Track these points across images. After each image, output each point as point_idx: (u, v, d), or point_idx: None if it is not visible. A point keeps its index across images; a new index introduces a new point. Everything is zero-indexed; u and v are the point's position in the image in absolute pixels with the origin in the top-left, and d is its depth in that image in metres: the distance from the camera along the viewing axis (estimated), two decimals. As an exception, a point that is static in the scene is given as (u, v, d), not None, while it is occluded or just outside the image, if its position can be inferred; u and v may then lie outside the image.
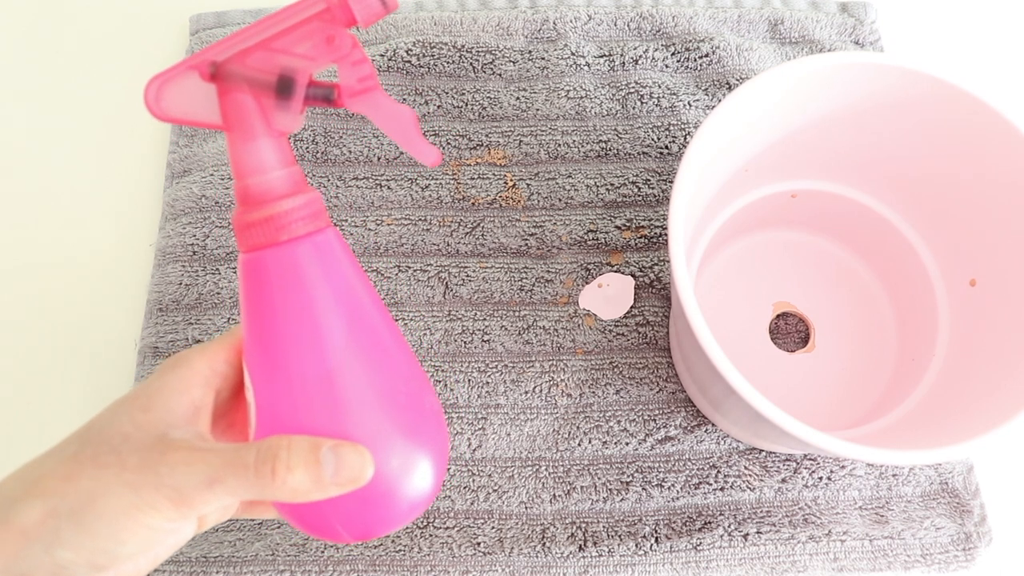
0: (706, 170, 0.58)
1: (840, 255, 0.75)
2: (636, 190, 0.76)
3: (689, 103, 0.80)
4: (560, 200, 0.76)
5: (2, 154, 0.81)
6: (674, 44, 0.83)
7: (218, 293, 0.73)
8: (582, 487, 0.67)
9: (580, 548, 0.65)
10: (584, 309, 0.73)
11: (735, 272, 0.74)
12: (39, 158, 0.81)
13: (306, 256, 0.38)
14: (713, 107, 0.73)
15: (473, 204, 0.76)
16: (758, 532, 0.65)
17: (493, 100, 0.80)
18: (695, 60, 0.82)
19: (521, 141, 0.78)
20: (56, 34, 0.86)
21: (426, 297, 0.73)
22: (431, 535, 0.66)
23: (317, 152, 0.78)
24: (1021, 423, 0.49)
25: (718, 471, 0.68)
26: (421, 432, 0.40)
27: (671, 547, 0.65)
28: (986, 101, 0.56)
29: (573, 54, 0.82)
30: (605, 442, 0.68)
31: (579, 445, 0.68)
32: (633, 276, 0.73)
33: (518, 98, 0.80)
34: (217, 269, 0.74)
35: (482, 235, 0.75)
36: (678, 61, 0.83)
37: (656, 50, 0.82)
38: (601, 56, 0.82)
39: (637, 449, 0.68)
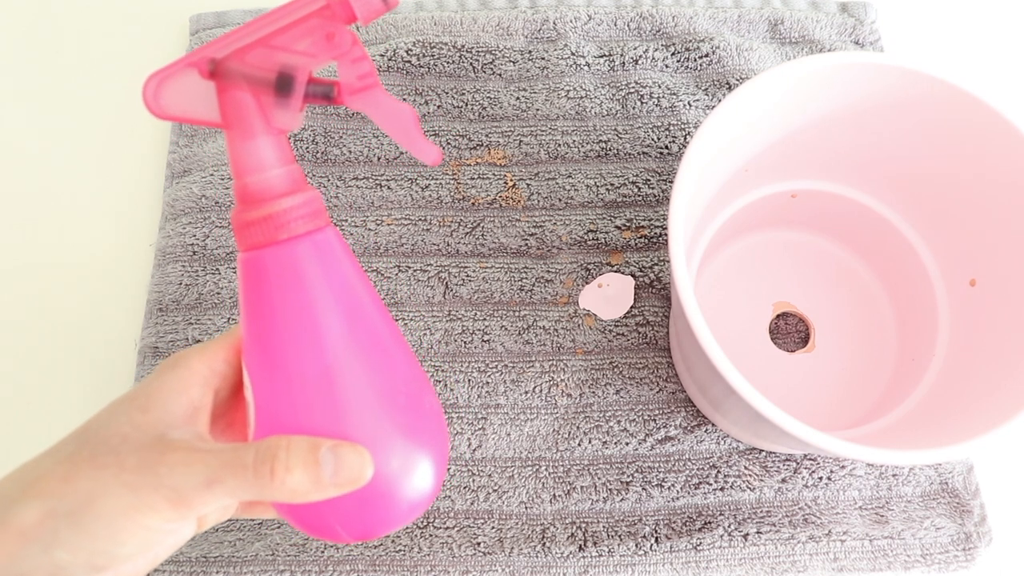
0: (706, 170, 0.58)
1: (840, 255, 0.75)
2: (636, 190, 0.76)
3: (689, 103, 0.80)
4: (560, 200, 0.76)
5: (2, 154, 0.81)
6: (674, 44, 0.83)
7: (218, 293, 0.73)
8: (582, 487, 0.67)
9: (580, 548, 0.65)
10: (584, 309, 0.73)
11: (735, 272, 0.74)
12: (39, 158, 0.81)
13: (305, 255, 0.38)
14: (713, 107, 0.73)
15: (473, 204, 0.76)
16: (758, 532, 0.65)
17: (493, 100, 0.80)
18: (695, 60, 0.82)
19: (521, 141, 0.78)
20: (56, 34, 0.86)
21: (426, 297, 0.73)
22: (431, 535, 0.66)
23: (317, 152, 0.78)
24: (1021, 423, 0.49)
25: (718, 471, 0.68)
26: (421, 432, 0.40)
27: (671, 547, 0.65)
28: (986, 101, 0.56)
29: (573, 54, 0.82)
30: (605, 442, 0.68)
31: (579, 445, 0.68)
32: (633, 276, 0.73)
33: (518, 98, 0.80)
34: (217, 269, 0.74)
35: (482, 235, 0.75)
36: (678, 61, 0.83)
37: (656, 50, 0.82)
38: (601, 56, 0.82)
39: (637, 449, 0.68)
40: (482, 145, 0.78)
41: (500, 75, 0.82)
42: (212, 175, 0.77)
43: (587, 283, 0.73)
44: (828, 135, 0.64)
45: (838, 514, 0.66)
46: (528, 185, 0.77)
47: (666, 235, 0.75)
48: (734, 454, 0.68)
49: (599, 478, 0.67)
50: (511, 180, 0.77)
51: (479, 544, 0.65)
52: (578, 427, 0.69)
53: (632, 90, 0.80)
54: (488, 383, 0.70)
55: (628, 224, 0.75)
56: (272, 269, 0.37)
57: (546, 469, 0.68)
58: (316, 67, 0.37)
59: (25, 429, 0.72)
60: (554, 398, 0.70)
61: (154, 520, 0.34)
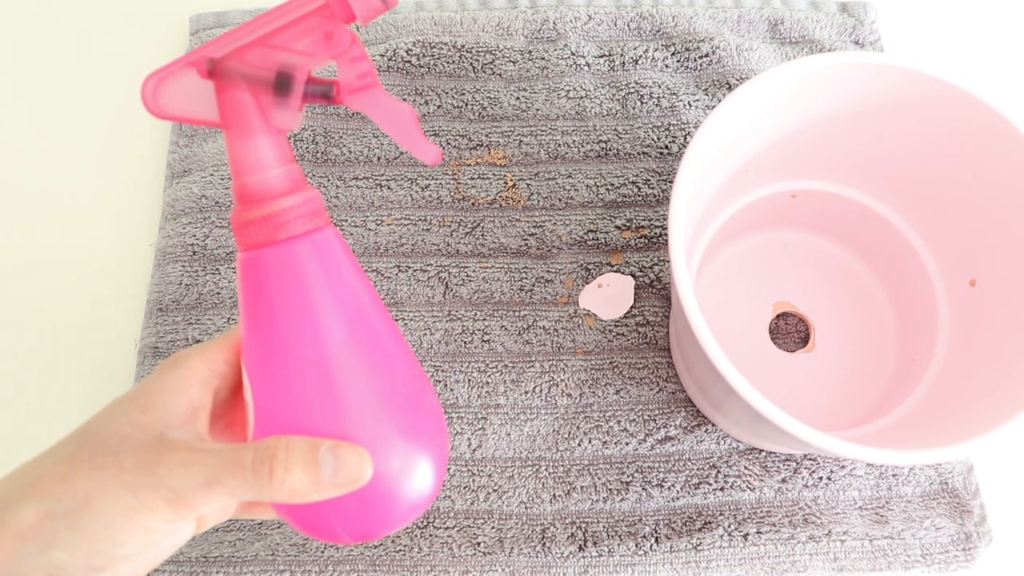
0: (706, 170, 0.58)
1: (840, 255, 0.75)
2: (636, 190, 0.76)
3: (689, 103, 0.80)
4: (560, 200, 0.76)
5: (2, 154, 0.81)
6: (674, 44, 0.83)
7: (218, 293, 0.73)
8: (582, 487, 0.67)
9: (580, 548, 0.65)
10: (584, 309, 0.73)
11: (735, 272, 0.74)
12: (39, 158, 0.81)
13: (305, 254, 0.37)
14: (713, 107, 0.73)
15: (473, 204, 0.76)
16: (758, 532, 0.65)
17: (493, 100, 0.80)
18: (695, 60, 0.82)
19: (521, 141, 0.78)
20: (56, 34, 0.86)
21: (426, 297, 0.73)
22: (431, 535, 0.66)
23: (317, 152, 0.78)
24: (1021, 423, 0.49)
25: (718, 471, 0.68)
26: (421, 432, 0.40)
27: (671, 547, 0.65)
28: (986, 101, 0.56)
29: (573, 54, 0.82)
30: (605, 442, 0.68)
31: (579, 445, 0.68)
32: (633, 276, 0.73)
33: (518, 98, 0.80)
34: (217, 269, 0.74)
35: (482, 235, 0.75)
36: (678, 61, 0.83)
37: (656, 50, 0.82)
38: (601, 56, 0.82)
39: (637, 449, 0.68)
40: (482, 145, 0.78)
41: (500, 75, 0.82)
42: (212, 175, 0.77)
43: (587, 283, 0.73)
44: (828, 135, 0.64)
45: (838, 514, 0.66)
46: (528, 185, 0.77)
47: (666, 235, 0.75)
48: (734, 454, 0.68)
49: (599, 478, 0.67)
50: (511, 180, 0.77)
51: (479, 544, 0.65)
52: (578, 427, 0.69)
53: (632, 90, 0.80)
54: (488, 383, 0.70)
55: (628, 224, 0.75)
56: (271, 269, 0.37)
57: (546, 469, 0.68)
58: (315, 66, 0.37)
59: (25, 429, 0.72)
60: (554, 398, 0.70)
61: (153, 521, 0.34)
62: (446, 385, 0.70)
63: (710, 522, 0.66)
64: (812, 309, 0.73)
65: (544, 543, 0.65)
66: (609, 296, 0.73)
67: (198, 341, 0.71)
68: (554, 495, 0.67)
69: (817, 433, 0.48)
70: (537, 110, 0.80)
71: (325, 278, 0.38)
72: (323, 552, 0.65)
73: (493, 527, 0.66)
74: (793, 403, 0.67)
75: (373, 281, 0.73)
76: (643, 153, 0.78)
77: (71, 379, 0.74)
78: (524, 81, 0.81)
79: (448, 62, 0.82)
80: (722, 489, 0.67)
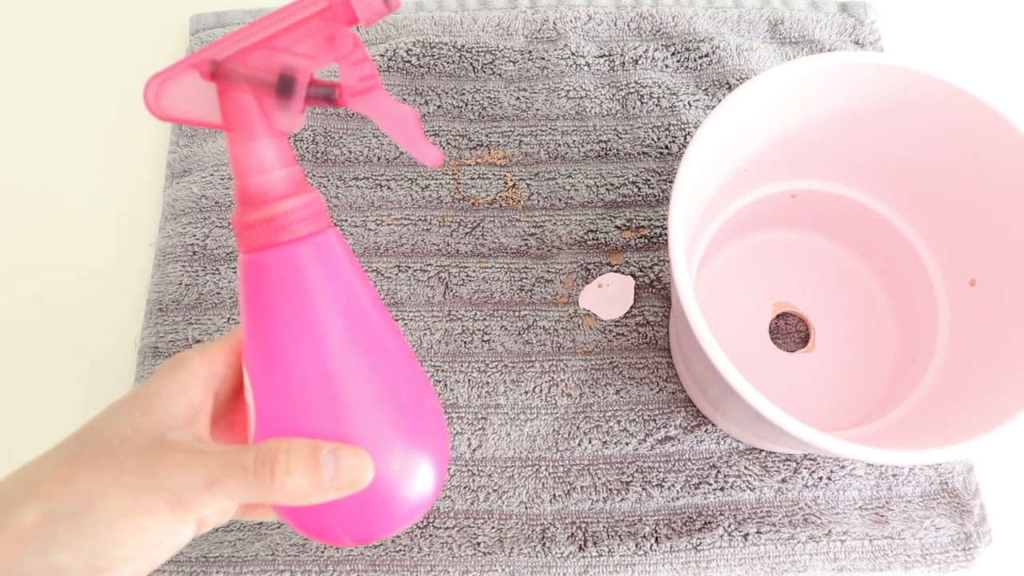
0: (706, 170, 0.58)
1: (840, 255, 0.75)
2: (636, 190, 0.76)
3: (689, 103, 0.80)
4: (560, 200, 0.76)
5: (2, 154, 0.81)
6: (674, 44, 0.83)
7: (218, 293, 0.73)
8: (582, 487, 0.67)
9: (580, 548, 0.65)
10: (584, 309, 0.73)
11: (735, 272, 0.74)
12: (39, 158, 0.81)
13: (306, 257, 0.37)
14: (713, 107, 0.73)
15: (473, 204, 0.76)
16: (758, 532, 0.65)
17: (493, 100, 0.80)
18: (695, 60, 0.82)
19: (521, 141, 0.78)
20: (56, 34, 0.86)
21: (426, 297, 0.73)
22: (431, 535, 0.66)
23: (317, 152, 0.78)
24: (1021, 423, 0.49)
25: (718, 471, 0.68)
26: (421, 435, 0.40)
27: (671, 547, 0.65)
28: (986, 101, 0.56)
29: (573, 54, 0.82)
30: (605, 442, 0.68)
31: (579, 445, 0.68)
32: (633, 276, 0.73)
33: (518, 98, 0.80)
34: (217, 269, 0.74)
35: (482, 235, 0.75)
36: (678, 61, 0.83)
37: (656, 50, 0.82)
38: (601, 56, 0.82)
39: (637, 449, 0.68)
40: (482, 145, 0.78)
41: (500, 75, 0.82)
42: (212, 175, 0.77)
43: (587, 283, 0.73)
44: (828, 135, 0.64)
45: (838, 514, 0.66)
46: (528, 185, 0.77)
47: (666, 235, 0.75)
48: (734, 454, 0.68)
49: (599, 478, 0.67)
50: (511, 180, 0.77)
51: (479, 544, 0.66)
52: (578, 427, 0.69)
53: (632, 90, 0.80)
54: (488, 383, 0.70)
55: (628, 224, 0.75)
56: (273, 271, 0.37)
57: (546, 469, 0.68)
58: (317, 69, 0.37)
59: (25, 429, 0.72)
60: (554, 398, 0.70)
61: (153, 522, 0.34)
62: (446, 385, 0.70)
63: (710, 522, 0.66)
64: (812, 309, 0.73)
65: (544, 543, 0.66)
66: (609, 296, 0.73)
67: (198, 341, 0.72)
68: (554, 495, 0.67)
69: (817, 433, 0.48)
70: (537, 110, 0.80)
71: (327, 280, 0.38)
72: (323, 552, 0.65)
73: (493, 527, 0.66)
74: (793, 403, 0.67)
75: (373, 281, 0.73)
76: (643, 153, 0.78)
77: (71, 379, 0.74)
78: (524, 81, 0.81)
79: (448, 62, 0.82)
80: (722, 489, 0.67)
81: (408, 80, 0.81)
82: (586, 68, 0.82)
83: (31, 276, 0.77)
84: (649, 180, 0.77)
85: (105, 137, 0.82)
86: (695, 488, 0.67)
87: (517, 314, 0.72)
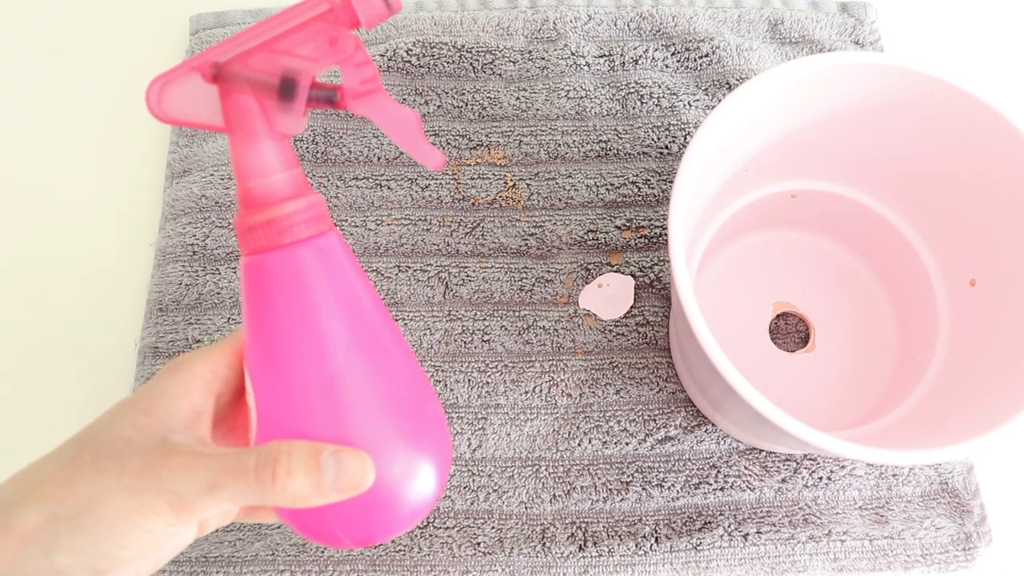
0: (706, 170, 0.58)
1: (840, 255, 0.75)
2: (636, 190, 0.76)
3: (689, 103, 0.80)
4: (560, 200, 0.76)
5: (2, 154, 0.81)
6: (674, 44, 0.83)
7: (218, 293, 0.73)
8: (582, 487, 0.67)
9: (580, 548, 0.65)
10: (584, 309, 0.73)
11: (735, 272, 0.74)
12: (39, 158, 0.81)
13: (308, 259, 0.37)
14: (713, 107, 0.72)
15: (473, 204, 0.76)
16: (758, 532, 0.65)
17: (493, 100, 0.80)
18: (695, 60, 0.82)
19: (521, 141, 0.78)
20: (56, 34, 0.86)
21: (426, 297, 0.73)
22: (431, 535, 0.66)
23: (317, 152, 0.78)
24: (1021, 423, 0.49)
25: (718, 471, 0.68)
26: (423, 437, 0.40)
27: (671, 547, 0.65)
28: (986, 101, 0.56)
29: (573, 54, 0.82)
30: (605, 442, 0.68)
31: (579, 445, 0.68)
32: (633, 276, 0.73)
33: (518, 98, 0.80)
34: (217, 269, 0.74)
35: (482, 235, 0.75)
36: (678, 61, 0.83)
37: (656, 50, 0.82)
38: (601, 56, 0.82)
39: (637, 449, 0.68)
40: (482, 145, 0.78)
41: (500, 75, 0.82)
42: (212, 175, 0.77)
43: (587, 283, 0.73)
44: (828, 135, 0.64)
45: (838, 514, 0.66)
46: (528, 185, 0.77)
47: (666, 235, 0.75)
48: (734, 454, 0.68)
49: (599, 478, 0.67)
50: (511, 180, 0.77)
51: (479, 544, 0.66)
52: (578, 427, 0.69)
53: (632, 90, 0.80)
54: (488, 383, 0.70)
55: (628, 224, 0.75)
56: (275, 273, 0.37)
57: (546, 469, 0.68)
58: (319, 71, 0.37)
59: (25, 429, 0.72)
60: (554, 398, 0.70)
61: (155, 524, 0.34)
62: (446, 385, 0.70)
63: (710, 522, 0.66)
64: (812, 309, 0.73)
65: (544, 543, 0.66)
66: (609, 296, 0.73)
67: (198, 341, 0.72)
68: (554, 495, 0.67)
69: (817, 433, 0.48)
70: (537, 110, 0.80)
71: (328, 283, 0.38)
72: (323, 552, 0.65)
73: (493, 527, 0.66)
74: (793, 403, 0.67)
75: (373, 281, 0.73)
76: (643, 153, 0.78)
77: (71, 379, 0.74)
78: (524, 81, 0.81)
79: (448, 62, 0.82)
80: (722, 489, 0.67)
81: (408, 80, 0.81)
82: (586, 68, 0.82)
83: (31, 276, 0.77)
84: (649, 180, 0.77)
85: (105, 137, 0.82)
86: (695, 488, 0.67)
87: (517, 314, 0.72)
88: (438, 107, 0.80)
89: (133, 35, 0.87)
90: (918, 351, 0.68)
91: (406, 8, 0.86)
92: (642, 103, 0.80)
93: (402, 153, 0.78)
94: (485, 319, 0.72)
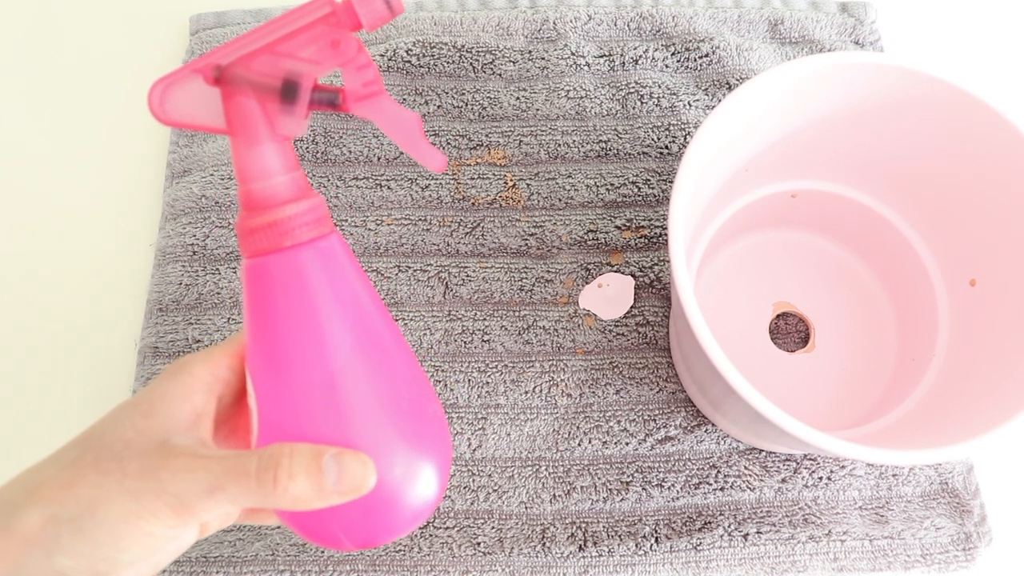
0: (706, 170, 0.58)
1: (840, 255, 0.75)
2: (636, 190, 0.76)
3: (689, 103, 0.80)
4: (560, 200, 0.76)
5: (2, 154, 0.81)
6: (674, 44, 0.83)
7: (218, 293, 0.73)
8: (582, 487, 0.67)
9: (580, 548, 0.65)
10: (584, 309, 0.73)
11: (735, 272, 0.74)
12: (39, 158, 0.81)
13: (310, 262, 0.37)
14: (713, 107, 0.73)
15: (473, 204, 0.76)
16: (758, 532, 0.65)
17: (493, 100, 0.80)
18: (695, 60, 0.82)
19: (521, 141, 0.78)
20: (56, 34, 0.86)
21: (426, 297, 0.73)
22: (431, 535, 0.66)
23: (317, 152, 0.78)
24: (1021, 423, 0.49)
25: (718, 471, 0.68)
26: (424, 440, 0.40)
27: (671, 547, 0.65)
28: (986, 101, 0.56)
29: (573, 54, 0.82)
30: (605, 442, 0.68)
31: (579, 445, 0.68)
32: (633, 276, 0.73)
33: (518, 98, 0.80)
34: (217, 269, 0.74)
35: (482, 235, 0.75)
36: (678, 61, 0.83)
37: (656, 50, 0.82)
38: (601, 56, 0.82)
39: (637, 449, 0.68)
40: (482, 145, 0.78)
41: (500, 75, 0.82)
42: (212, 175, 0.77)
43: (587, 283, 0.73)
44: (828, 135, 0.64)
45: (838, 514, 0.66)
46: (528, 185, 0.77)
47: (666, 235, 0.75)
48: (734, 454, 0.68)
49: (599, 478, 0.67)
50: (511, 180, 0.77)
51: (479, 544, 0.66)
52: (578, 427, 0.69)
53: (632, 90, 0.80)
54: (488, 383, 0.70)
55: (628, 224, 0.75)
56: (276, 276, 0.37)
57: (546, 469, 0.68)
58: (321, 74, 0.37)
59: (25, 429, 0.72)
60: (554, 398, 0.70)
61: (156, 527, 0.34)
62: (446, 385, 0.70)
63: (710, 522, 0.66)
64: (812, 309, 0.73)
65: (544, 543, 0.66)
66: (609, 296, 0.73)
67: (198, 341, 0.72)
68: (554, 495, 0.67)
69: (817, 433, 0.48)
70: (537, 110, 0.80)
71: (330, 285, 0.38)
72: (323, 552, 0.65)
73: (493, 527, 0.66)
74: (793, 403, 0.67)
75: (373, 281, 0.73)
76: (643, 153, 0.78)
77: (71, 379, 0.74)
78: (524, 81, 0.81)
79: (448, 62, 0.82)
80: (722, 489, 0.67)
81: (408, 80, 0.81)
82: (586, 68, 0.82)
83: (31, 276, 0.77)
84: (649, 180, 0.77)
85: (105, 137, 0.82)
86: (695, 488, 0.67)
87: (517, 314, 0.72)
88: (438, 107, 0.80)
89: (133, 35, 0.87)
90: (918, 351, 0.68)
91: (406, 8, 0.86)
92: (642, 103, 0.80)
93: (402, 153, 0.78)
94: (485, 319, 0.72)
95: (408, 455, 0.39)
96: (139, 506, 0.34)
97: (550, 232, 0.75)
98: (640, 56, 0.82)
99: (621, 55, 0.82)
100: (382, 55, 0.81)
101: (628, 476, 0.67)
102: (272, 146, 0.37)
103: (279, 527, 0.66)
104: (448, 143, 0.79)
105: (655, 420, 0.69)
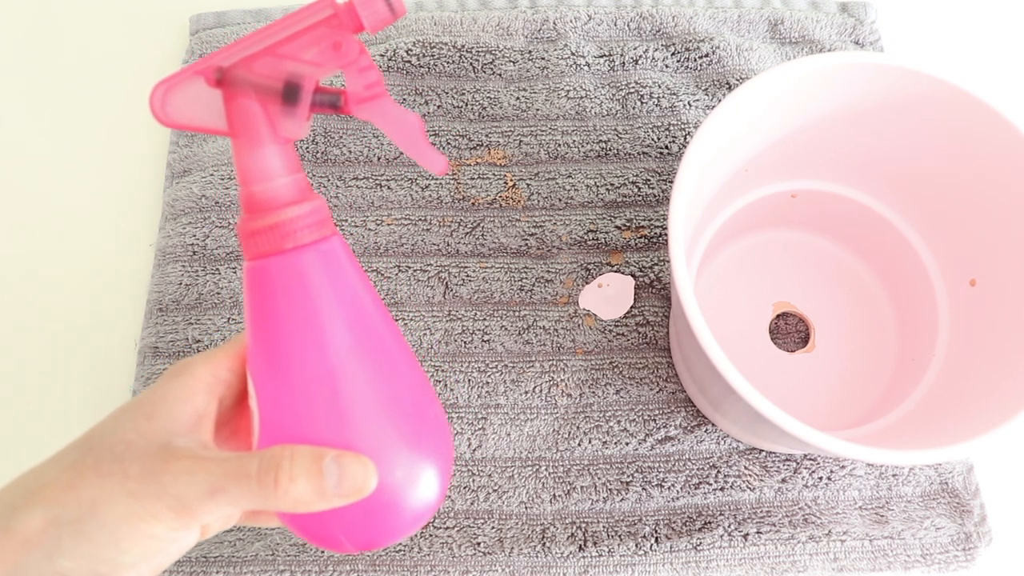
0: (706, 170, 0.58)
1: (840, 255, 0.75)
2: (636, 190, 0.76)
3: (689, 103, 0.80)
4: (560, 200, 0.76)
5: (2, 154, 0.81)
6: (674, 44, 0.83)
7: (218, 293, 0.73)
8: (582, 487, 0.67)
9: (580, 548, 0.65)
10: (584, 309, 0.73)
11: (735, 272, 0.74)
12: (39, 158, 0.81)
13: (311, 264, 0.37)
14: (713, 107, 0.73)
15: (473, 204, 0.76)
16: (758, 532, 0.65)
17: (493, 100, 0.80)
18: (695, 60, 0.82)
19: (521, 141, 0.78)
20: (56, 34, 0.86)
21: (426, 297, 0.73)
22: (431, 535, 0.66)
23: (317, 152, 0.78)
24: (1021, 423, 0.49)
25: (718, 471, 0.68)
26: (425, 442, 0.40)
27: (671, 547, 0.65)
28: (986, 101, 0.56)
29: (573, 54, 0.82)
30: (605, 442, 0.68)
31: (579, 445, 0.68)
32: (633, 276, 0.73)
33: (518, 98, 0.80)
34: (217, 269, 0.74)
35: (482, 235, 0.75)
36: (678, 61, 0.83)
37: (656, 50, 0.82)
38: (601, 56, 0.82)
39: (637, 449, 0.68)
40: (482, 145, 0.78)
41: (500, 75, 0.82)
42: (212, 175, 0.77)
43: (587, 283, 0.73)
44: (828, 135, 0.64)
45: (838, 514, 0.66)
46: (528, 185, 0.77)
47: (666, 235, 0.75)
48: (734, 454, 0.68)
49: (599, 478, 0.67)
50: (511, 180, 0.77)
51: (479, 544, 0.66)
52: (578, 427, 0.69)
53: (632, 90, 0.80)
54: (488, 383, 0.70)
55: (628, 224, 0.75)
56: (278, 278, 0.37)
57: (546, 469, 0.68)
58: (323, 76, 0.37)
59: (25, 429, 0.72)
60: (554, 398, 0.70)
61: (157, 528, 0.34)
62: (446, 385, 0.70)
63: (710, 522, 0.66)
64: (812, 309, 0.73)
65: (544, 543, 0.66)
66: (609, 296, 0.73)
67: (198, 341, 0.72)
68: (554, 495, 0.67)
69: (817, 433, 0.48)
70: (537, 110, 0.80)
71: (331, 288, 0.38)
72: (323, 552, 0.65)
73: (493, 527, 0.66)
74: (793, 403, 0.67)
75: (373, 281, 0.73)
76: (643, 153, 0.78)
77: (71, 379, 0.74)
78: (524, 81, 0.81)
79: (448, 62, 0.81)
80: (722, 489, 0.67)
81: (408, 80, 0.81)
82: (586, 68, 0.82)
83: (31, 276, 0.77)
84: (649, 180, 0.77)
85: (105, 137, 0.82)
86: (695, 488, 0.67)
87: (517, 314, 0.72)
88: (438, 107, 0.80)
89: (133, 35, 0.87)
90: (918, 351, 0.68)
91: (406, 8, 0.86)
92: (642, 103, 0.80)
93: (402, 153, 0.78)
94: (485, 319, 0.72)
95: (409, 457, 0.38)
96: (140, 508, 0.34)
97: (550, 232, 0.75)
98: (640, 56, 0.82)
99: (621, 55, 0.82)
100: (382, 55, 0.81)
101: (628, 476, 0.67)
102: (274, 148, 0.37)
103: (279, 527, 0.66)
104: (448, 143, 0.79)
105: (655, 420, 0.69)
